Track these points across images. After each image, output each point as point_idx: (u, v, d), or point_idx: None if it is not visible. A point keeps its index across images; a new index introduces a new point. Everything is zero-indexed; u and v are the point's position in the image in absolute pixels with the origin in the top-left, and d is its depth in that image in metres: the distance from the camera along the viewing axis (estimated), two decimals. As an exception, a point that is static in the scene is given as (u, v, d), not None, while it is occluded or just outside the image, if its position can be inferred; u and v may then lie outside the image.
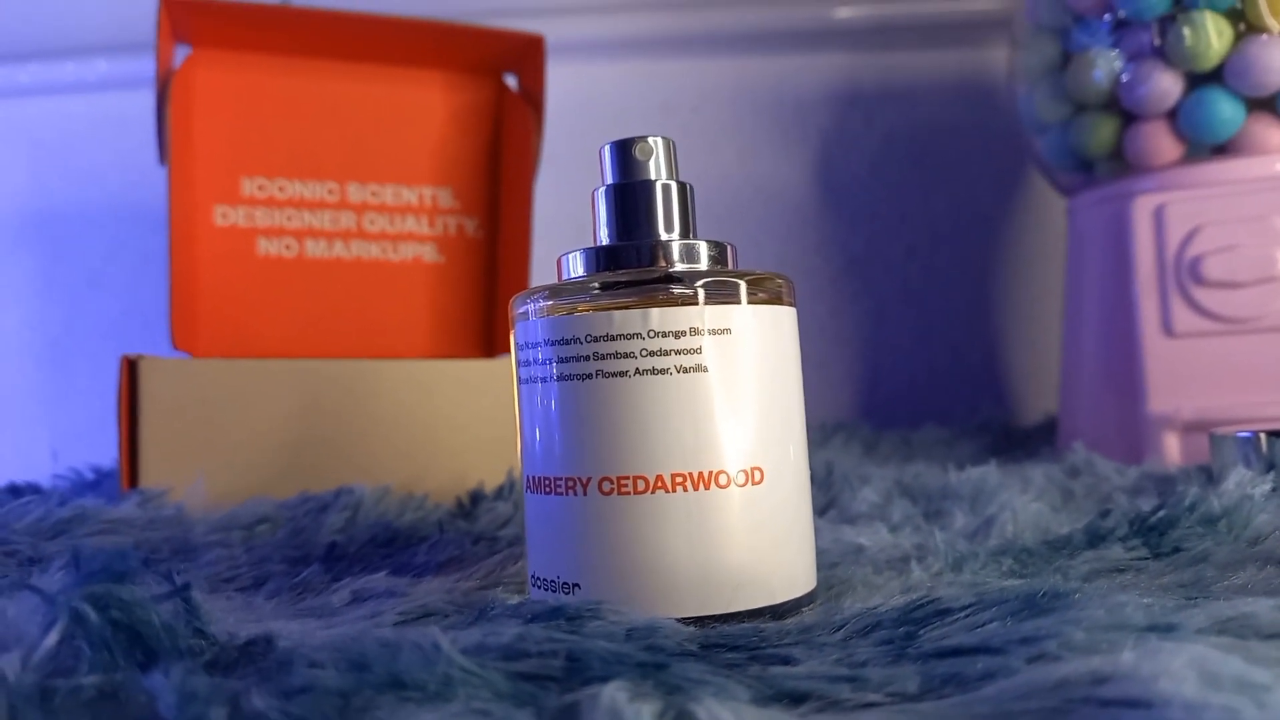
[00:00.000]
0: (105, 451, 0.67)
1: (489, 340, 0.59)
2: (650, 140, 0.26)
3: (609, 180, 0.27)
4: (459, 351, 0.58)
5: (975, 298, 0.78)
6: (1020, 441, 0.62)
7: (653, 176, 0.26)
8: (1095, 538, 0.29)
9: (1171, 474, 0.43)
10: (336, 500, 0.40)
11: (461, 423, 0.49)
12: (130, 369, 0.45)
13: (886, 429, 0.67)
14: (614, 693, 0.14)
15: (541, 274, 0.59)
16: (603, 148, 0.27)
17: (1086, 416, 0.53)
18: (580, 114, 0.73)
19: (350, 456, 0.47)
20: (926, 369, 0.77)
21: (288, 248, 0.56)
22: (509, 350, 0.57)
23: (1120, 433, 0.50)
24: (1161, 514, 0.30)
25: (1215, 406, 0.47)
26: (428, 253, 0.59)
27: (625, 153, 0.26)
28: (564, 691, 0.15)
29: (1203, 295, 0.47)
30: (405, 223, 0.58)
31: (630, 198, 0.26)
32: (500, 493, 0.42)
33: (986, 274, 0.78)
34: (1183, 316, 0.47)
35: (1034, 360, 0.76)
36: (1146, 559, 0.28)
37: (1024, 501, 0.36)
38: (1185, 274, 0.47)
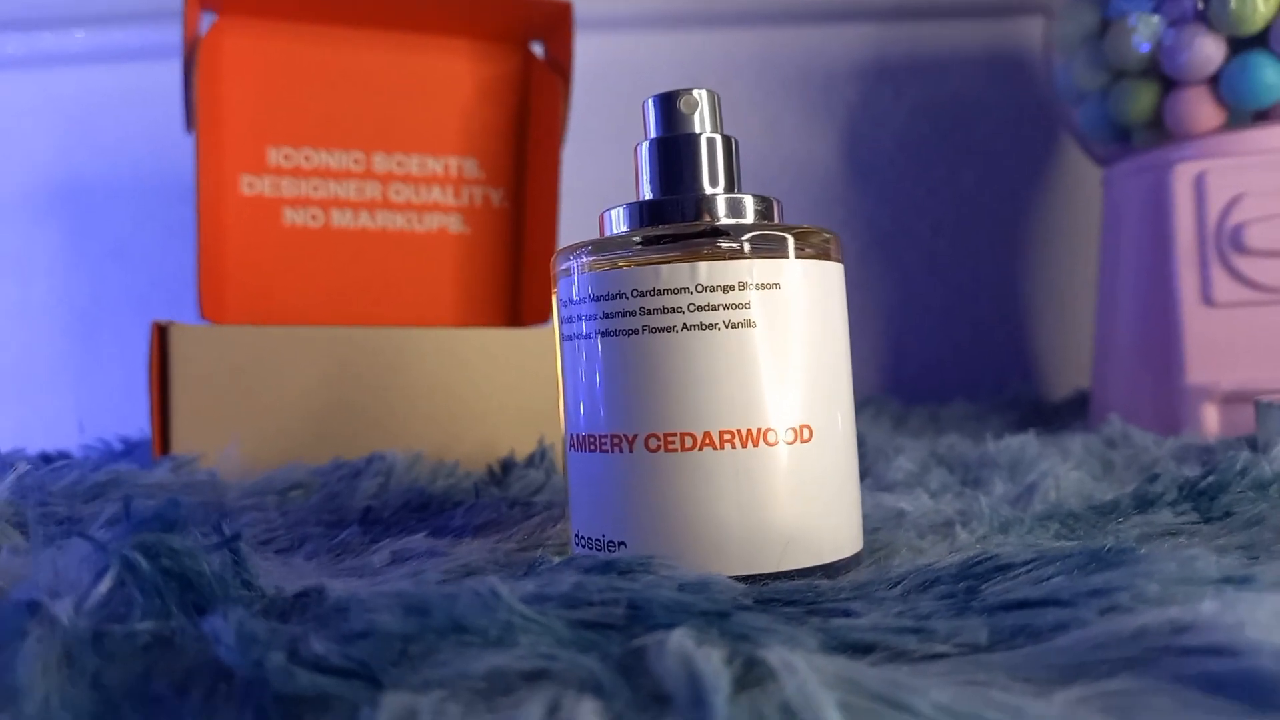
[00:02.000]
0: (133, 423, 0.67)
1: (515, 311, 0.59)
2: (695, 93, 0.26)
3: (652, 134, 0.26)
4: (484, 322, 0.58)
5: (1003, 272, 0.77)
6: (1051, 416, 0.62)
7: (697, 130, 0.26)
8: (1144, 502, 0.29)
9: (1211, 445, 0.42)
10: (369, 466, 0.40)
11: (490, 391, 0.49)
12: (161, 336, 0.45)
13: (914, 404, 0.67)
14: (682, 638, 0.14)
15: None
16: (646, 101, 0.26)
17: (1121, 388, 0.53)
18: (605, 87, 0.72)
19: (380, 424, 0.47)
20: (953, 344, 0.76)
21: (314, 218, 0.56)
22: (535, 321, 0.57)
23: (1157, 405, 0.49)
24: (1211, 479, 0.29)
25: (1256, 378, 0.46)
26: (453, 223, 0.58)
27: (669, 105, 0.26)
28: (626, 639, 0.15)
29: (1244, 264, 0.46)
30: (431, 193, 0.58)
31: (674, 151, 0.26)
32: (532, 460, 0.42)
33: (1014, 248, 0.77)
34: (1223, 286, 0.46)
35: (1062, 335, 0.76)
36: (1198, 523, 0.27)
37: (1064, 470, 0.36)
38: (1226, 243, 0.46)
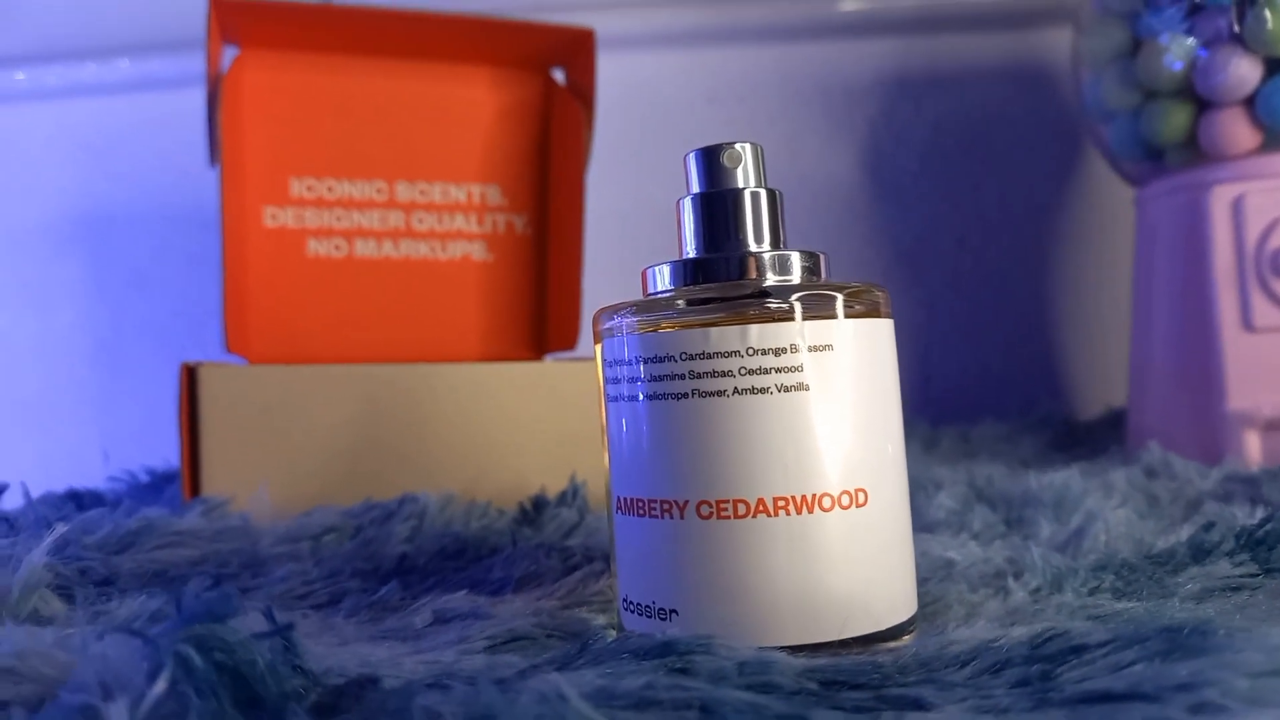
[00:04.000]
0: (156, 452, 0.67)
1: (540, 339, 0.59)
2: (738, 146, 0.25)
3: (695, 189, 0.26)
4: (509, 350, 0.58)
5: (1028, 289, 0.76)
6: (1083, 438, 0.61)
7: (740, 184, 0.25)
8: (1200, 552, 0.28)
9: (1255, 475, 0.41)
10: (401, 509, 0.39)
11: (519, 425, 0.49)
12: (190, 376, 0.44)
13: (942, 424, 0.66)
14: (762, 754, 0.13)
15: (591, 270, 0.58)
16: (688, 155, 0.26)
17: (1158, 413, 0.52)
18: (625, 107, 0.72)
19: (410, 461, 0.47)
20: (979, 362, 0.75)
21: (337, 248, 0.55)
22: (561, 348, 0.57)
23: (1196, 430, 0.48)
24: (1269, 527, 0.28)
25: (1298, 404, 0.45)
26: (477, 251, 0.58)
27: (712, 160, 0.25)
28: (700, 747, 0.15)
29: (1285, 289, 0.45)
30: (454, 221, 0.58)
31: (718, 207, 0.25)
32: (564, 499, 0.41)
33: (1040, 265, 0.76)
34: (1263, 310, 0.46)
35: (1090, 353, 0.75)
36: (1258, 575, 0.27)
37: (1110, 508, 0.35)
38: (1266, 266, 0.45)
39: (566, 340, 0.57)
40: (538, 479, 0.47)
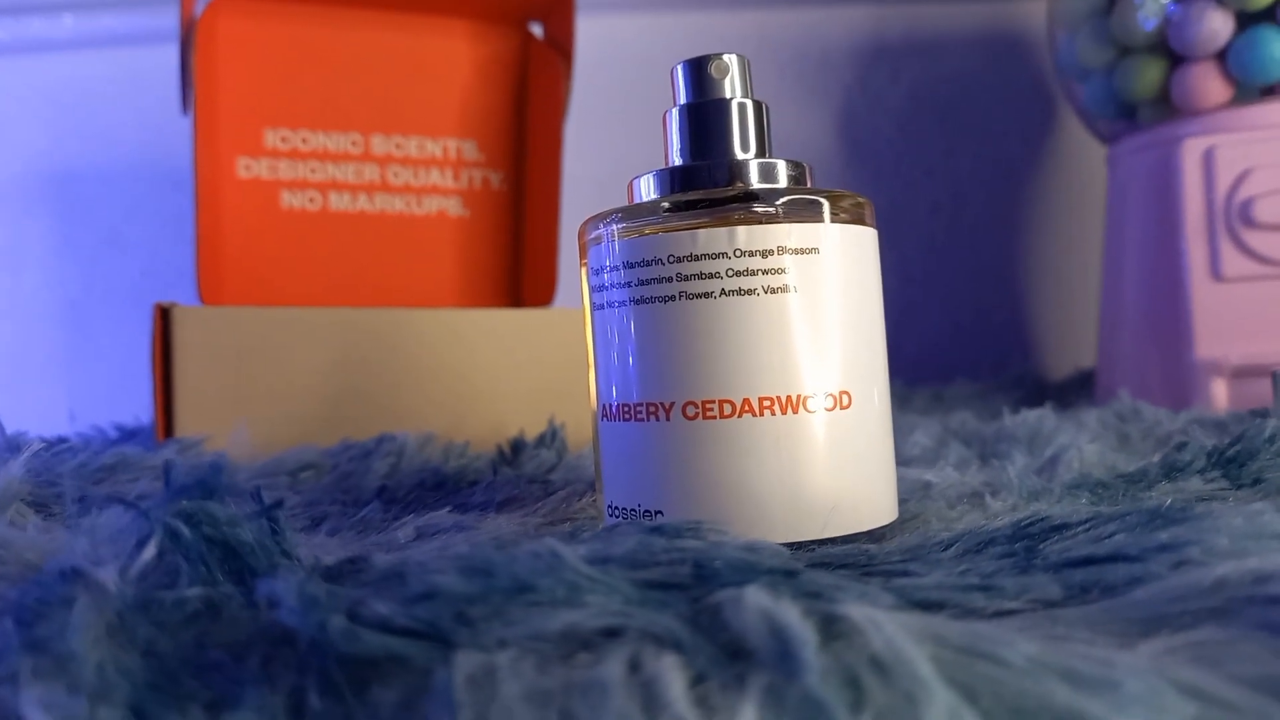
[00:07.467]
0: (124, 412, 0.66)
1: (515, 296, 0.58)
2: (725, 58, 0.26)
3: (682, 100, 0.26)
4: (485, 306, 0.57)
5: (1001, 252, 0.77)
6: (1054, 394, 0.62)
7: (728, 95, 0.25)
8: (1172, 470, 0.29)
9: (1222, 419, 0.42)
10: (379, 447, 0.39)
11: (496, 373, 0.48)
12: (163, 317, 0.44)
13: (916, 385, 0.66)
14: (758, 593, 0.14)
15: (570, 234, 0.58)
16: (675, 67, 0.26)
17: (1128, 365, 0.53)
18: (598, 69, 0.72)
19: (385, 406, 0.46)
20: (952, 324, 0.76)
21: (311, 201, 0.55)
22: (536, 305, 0.57)
23: (1165, 380, 0.49)
24: (1239, 447, 0.29)
25: (1265, 352, 0.46)
26: (452, 206, 0.58)
27: (699, 71, 0.25)
28: (695, 599, 0.15)
29: (1254, 239, 0.46)
30: (430, 176, 0.57)
31: (705, 117, 0.25)
32: (542, 440, 0.41)
33: (1013, 228, 0.77)
34: (1232, 261, 0.46)
35: (1062, 314, 0.76)
36: (1228, 490, 0.27)
37: (1083, 442, 0.36)
38: (1235, 218, 0.46)
39: (542, 298, 0.57)
40: (514, 426, 0.47)
